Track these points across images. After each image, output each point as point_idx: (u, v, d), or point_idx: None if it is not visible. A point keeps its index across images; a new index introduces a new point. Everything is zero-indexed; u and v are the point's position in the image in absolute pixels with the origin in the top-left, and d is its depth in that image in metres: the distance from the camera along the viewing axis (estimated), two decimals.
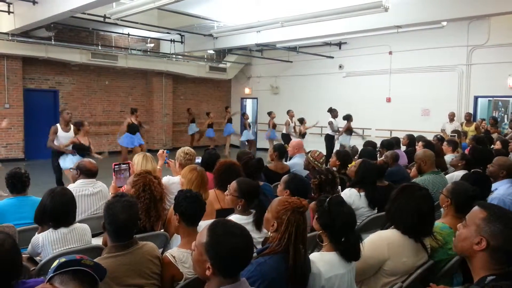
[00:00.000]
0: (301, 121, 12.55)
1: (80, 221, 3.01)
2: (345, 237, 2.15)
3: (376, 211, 3.67)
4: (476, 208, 1.81)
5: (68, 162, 7.07)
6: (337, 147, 10.92)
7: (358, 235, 2.21)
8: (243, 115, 14.19)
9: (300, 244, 2.04)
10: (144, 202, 2.89)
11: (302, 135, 12.27)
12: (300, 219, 2.09)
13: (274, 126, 13.17)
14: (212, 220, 3.09)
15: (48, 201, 2.73)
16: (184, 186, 3.32)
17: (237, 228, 1.70)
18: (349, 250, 2.15)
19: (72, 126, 7.53)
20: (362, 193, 3.66)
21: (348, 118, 11.41)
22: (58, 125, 7.48)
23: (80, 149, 7.18)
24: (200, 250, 1.64)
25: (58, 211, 2.73)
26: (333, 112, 11.67)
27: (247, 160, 4.15)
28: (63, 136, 7.32)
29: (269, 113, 13.24)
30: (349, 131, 11.42)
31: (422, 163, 4.33)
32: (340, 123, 11.67)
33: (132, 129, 10.33)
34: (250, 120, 14.89)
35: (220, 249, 1.60)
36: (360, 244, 2.20)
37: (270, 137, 13.17)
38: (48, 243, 2.67)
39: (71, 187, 3.63)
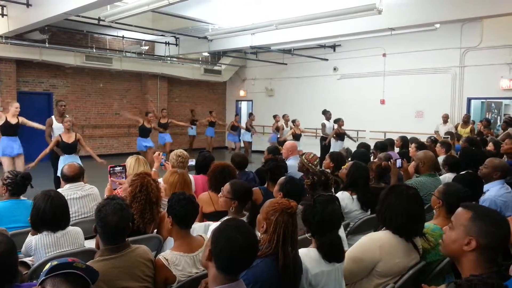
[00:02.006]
0: (294, 122, 12.36)
1: (72, 225, 2.99)
2: (323, 235, 2.17)
3: (369, 213, 3.68)
4: (460, 209, 1.82)
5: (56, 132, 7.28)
6: (332, 149, 10.95)
7: (338, 237, 2.23)
8: (250, 115, 14.08)
9: (289, 246, 2.06)
10: (139, 202, 2.85)
11: (296, 136, 12.16)
12: (289, 220, 2.10)
13: (278, 129, 13.10)
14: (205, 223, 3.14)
15: (47, 206, 2.69)
16: (167, 191, 3.32)
17: (247, 229, 1.79)
18: (326, 249, 2.17)
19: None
20: (355, 196, 3.66)
21: (337, 121, 11.19)
22: (53, 117, 7.61)
23: (64, 148, 7.03)
24: (210, 236, 1.77)
25: (58, 215, 2.71)
26: (326, 114, 11.67)
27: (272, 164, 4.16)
28: (58, 127, 7.38)
29: (274, 117, 13.16)
30: (339, 136, 11.26)
31: (420, 164, 4.33)
32: (331, 125, 11.64)
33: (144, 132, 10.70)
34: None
35: (221, 237, 1.71)
36: (343, 246, 2.24)
37: (271, 140, 13.11)
38: (41, 246, 2.66)
39: (60, 192, 3.60)
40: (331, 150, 10.66)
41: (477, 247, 1.68)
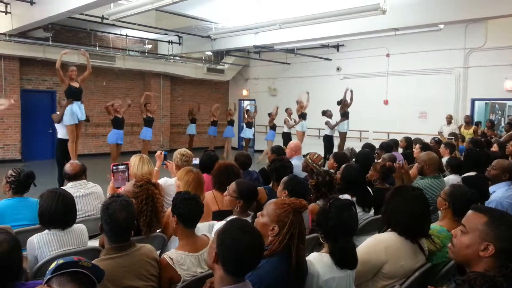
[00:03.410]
0: (297, 103, 12.49)
1: (76, 223, 2.99)
2: (336, 241, 2.13)
3: (372, 212, 3.66)
4: (472, 213, 1.77)
5: (61, 131, 7.66)
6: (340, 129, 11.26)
7: (352, 244, 2.18)
8: (247, 112, 14.00)
9: (301, 244, 2.04)
10: (146, 215, 2.80)
11: (302, 115, 12.21)
12: (302, 219, 2.09)
13: (274, 127, 13.10)
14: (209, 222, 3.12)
15: (59, 203, 2.68)
16: (180, 189, 3.31)
17: (251, 228, 1.78)
18: (339, 256, 2.12)
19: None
20: (354, 198, 3.57)
21: (340, 103, 11.58)
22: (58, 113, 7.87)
23: (71, 94, 7.43)
24: (214, 238, 1.75)
25: (68, 213, 2.72)
26: (326, 113, 11.70)
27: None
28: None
29: (269, 114, 13.20)
30: (344, 114, 11.45)
31: (425, 166, 4.30)
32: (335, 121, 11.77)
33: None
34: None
35: (226, 237, 1.69)
36: (357, 253, 2.18)
37: (267, 138, 13.13)
38: (43, 244, 2.65)
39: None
40: (339, 131, 11.27)
41: (495, 252, 1.64)
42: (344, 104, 11.55)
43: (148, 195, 2.83)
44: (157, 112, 14.61)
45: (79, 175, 3.90)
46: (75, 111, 7.53)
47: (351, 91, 11.69)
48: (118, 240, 2.21)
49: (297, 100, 12.87)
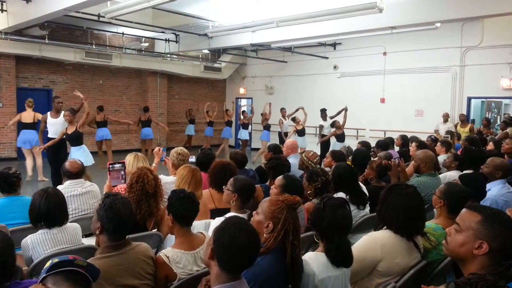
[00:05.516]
0: (294, 120, 12.27)
1: (71, 221, 2.98)
2: (332, 240, 2.13)
3: (367, 210, 3.66)
4: (466, 211, 1.78)
5: (51, 130, 7.67)
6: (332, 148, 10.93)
7: (347, 242, 2.18)
8: (243, 113, 14.01)
9: (296, 240, 2.05)
10: (135, 193, 2.95)
11: (300, 132, 12.12)
12: (296, 215, 2.10)
13: (268, 127, 13.08)
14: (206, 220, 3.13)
15: (42, 202, 2.70)
16: (176, 182, 3.39)
17: (248, 226, 1.79)
18: (334, 254, 2.12)
19: (62, 114, 7.68)
20: (348, 197, 3.57)
21: (333, 125, 11.19)
22: (48, 113, 7.75)
23: (72, 139, 7.23)
24: (212, 235, 1.77)
25: (53, 211, 2.70)
26: (322, 113, 11.64)
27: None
28: (52, 123, 7.48)
29: (262, 114, 13.19)
30: (338, 137, 11.16)
31: (422, 164, 4.31)
32: (328, 125, 11.69)
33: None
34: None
35: (223, 235, 1.70)
36: (352, 251, 2.18)
37: (261, 138, 13.10)
38: (37, 244, 2.65)
39: (60, 188, 3.59)
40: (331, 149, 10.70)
41: (490, 251, 1.64)
42: (337, 126, 11.02)
43: (140, 175, 3.04)
44: (154, 110, 14.72)
45: (80, 174, 3.93)
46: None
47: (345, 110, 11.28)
48: (118, 237, 2.22)
49: (262, 113, 13.07)
